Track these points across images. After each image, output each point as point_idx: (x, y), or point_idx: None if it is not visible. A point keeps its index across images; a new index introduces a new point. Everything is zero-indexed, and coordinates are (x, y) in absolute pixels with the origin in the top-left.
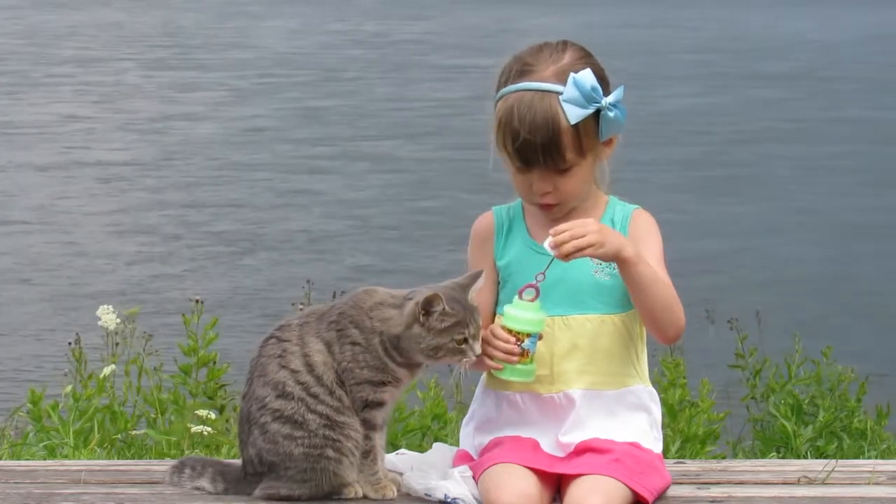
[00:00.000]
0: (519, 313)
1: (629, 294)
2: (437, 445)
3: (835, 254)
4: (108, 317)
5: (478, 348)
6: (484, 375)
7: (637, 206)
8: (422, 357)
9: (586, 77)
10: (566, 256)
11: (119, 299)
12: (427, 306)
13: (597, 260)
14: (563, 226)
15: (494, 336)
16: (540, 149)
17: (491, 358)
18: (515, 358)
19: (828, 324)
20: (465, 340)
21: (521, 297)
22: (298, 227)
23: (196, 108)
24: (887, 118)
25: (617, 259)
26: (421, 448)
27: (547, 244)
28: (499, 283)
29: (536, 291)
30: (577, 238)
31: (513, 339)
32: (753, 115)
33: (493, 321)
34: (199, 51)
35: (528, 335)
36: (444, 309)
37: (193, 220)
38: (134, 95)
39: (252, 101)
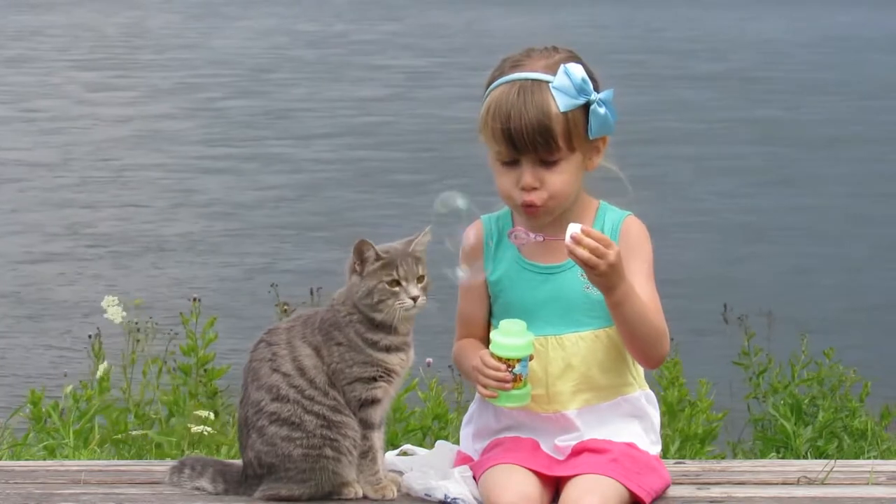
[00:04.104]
0: (506, 340)
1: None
2: (440, 443)
3: (722, 254)
4: (113, 309)
5: (413, 290)
6: None
7: (629, 212)
8: (367, 310)
9: (577, 69)
10: (571, 253)
11: (9, 300)
12: (358, 253)
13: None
14: (598, 234)
15: (485, 365)
16: (530, 133)
17: (485, 387)
18: (509, 385)
19: (712, 326)
20: (397, 282)
21: (510, 239)
22: (185, 230)
23: (107, 108)
24: (797, 119)
25: (603, 294)
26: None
27: (570, 231)
28: (490, 296)
29: (526, 237)
30: (593, 252)
31: (504, 367)
32: (666, 116)
33: (487, 333)
34: (143, 51)
35: (518, 360)
36: (375, 253)
37: (84, 221)
38: (49, 95)
39: (165, 101)
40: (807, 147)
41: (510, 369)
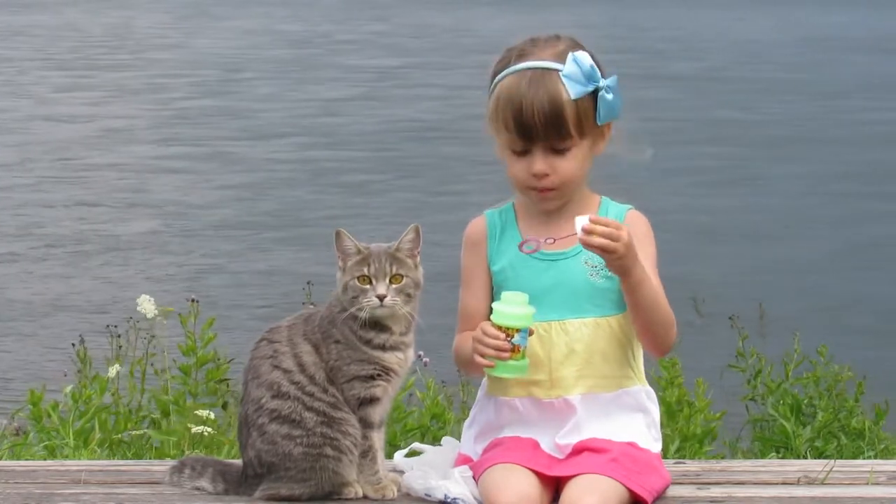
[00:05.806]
0: (507, 309)
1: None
2: (446, 439)
3: (674, 255)
4: (147, 305)
5: (381, 289)
6: (485, 380)
7: (631, 206)
8: (347, 306)
9: (585, 57)
10: (587, 244)
11: None
12: (336, 244)
13: (593, 263)
14: (606, 219)
15: (484, 333)
16: (543, 121)
17: (483, 356)
18: (506, 354)
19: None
20: (367, 279)
21: (521, 251)
22: (141, 229)
23: (70, 107)
24: (757, 119)
25: (622, 278)
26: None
27: (579, 224)
28: (493, 288)
29: (537, 244)
30: (607, 238)
31: (502, 336)
32: (631, 115)
33: None
34: (121, 51)
35: (518, 330)
36: (355, 246)
37: (37, 221)
38: (14, 95)
39: (130, 101)
40: (764, 147)
41: (509, 339)
